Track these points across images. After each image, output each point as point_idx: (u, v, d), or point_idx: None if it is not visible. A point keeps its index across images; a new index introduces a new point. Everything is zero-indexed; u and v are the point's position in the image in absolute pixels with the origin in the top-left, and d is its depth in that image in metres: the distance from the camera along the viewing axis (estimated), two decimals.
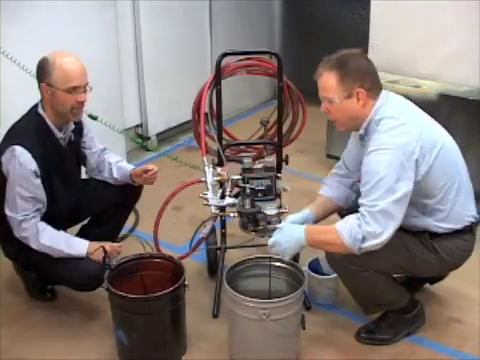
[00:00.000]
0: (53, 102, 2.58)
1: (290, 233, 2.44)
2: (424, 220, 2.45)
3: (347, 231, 2.30)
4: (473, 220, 2.50)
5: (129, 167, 2.94)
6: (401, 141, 2.29)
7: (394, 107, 2.40)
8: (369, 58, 2.45)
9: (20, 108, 2.69)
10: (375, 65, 2.43)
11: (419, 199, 2.41)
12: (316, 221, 2.64)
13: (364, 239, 2.29)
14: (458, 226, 2.46)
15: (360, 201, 2.34)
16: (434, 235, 2.46)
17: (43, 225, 2.62)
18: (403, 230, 2.46)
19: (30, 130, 2.60)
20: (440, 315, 2.83)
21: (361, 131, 2.44)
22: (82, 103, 2.60)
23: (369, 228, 2.27)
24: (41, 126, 2.62)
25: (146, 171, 2.86)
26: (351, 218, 2.33)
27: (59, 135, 2.68)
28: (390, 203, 2.27)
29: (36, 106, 2.66)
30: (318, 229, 2.48)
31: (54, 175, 2.66)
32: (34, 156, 2.54)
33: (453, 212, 2.44)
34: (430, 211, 2.44)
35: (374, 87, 2.40)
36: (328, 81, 2.37)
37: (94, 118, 3.04)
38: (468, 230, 2.49)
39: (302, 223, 2.52)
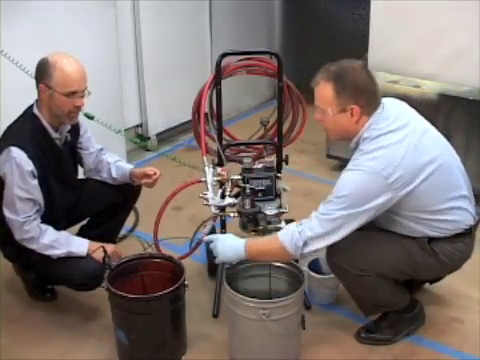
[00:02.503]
0: (50, 104, 2.57)
1: (230, 242, 2.45)
2: (421, 229, 2.44)
3: (288, 238, 2.32)
4: (472, 223, 2.49)
5: (128, 166, 2.93)
6: (376, 166, 2.27)
7: (385, 126, 2.35)
8: (371, 73, 2.39)
9: (19, 108, 2.69)
10: (376, 80, 2.39)
11: (409, 213, 2.39)
12: None
13: (305, 245, 2.30)
14: (457, 231, 2.45)
15: (318, 208, 2.35)
16: (434, 239, 2.45)
17: (45, 226, 2.62)
18: (402, 235, 2.46)
19: (26, 131, 2.59)
20: (440, 315, 2.83)
21: (351, 144, 2.43)
22: (79, 108, 2.60)
23: (310, 233, 2.29)
24: (37, 127, 2.62)
25: (146, 175, 2.85)
26: (292, 226, 2.35)
27: (55, 135, 2.68)
28: (345, 216, 2.27)
29: (31, 107, 2.65)
30: (259, 240, 2.46)
31: (50, 176, 2.65)
32: (30, 156, 2.53)
33: (450, 220, 2.43)
34: (425, 222, 2.42)
35: (369, 104, 2.35)
36: (324, 92, 2.35)
37: (90, 117, 3.01)
38: (467, 233, 2.48)
39: None
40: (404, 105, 2.54)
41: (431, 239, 2.45)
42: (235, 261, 2.46)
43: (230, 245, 2.43)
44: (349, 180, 2.31)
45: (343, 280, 2.60)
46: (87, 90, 2.59)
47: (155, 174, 2.85)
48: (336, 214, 2.28)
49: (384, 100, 2.44)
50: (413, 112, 2.51)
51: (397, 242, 2.46)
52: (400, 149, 2.30)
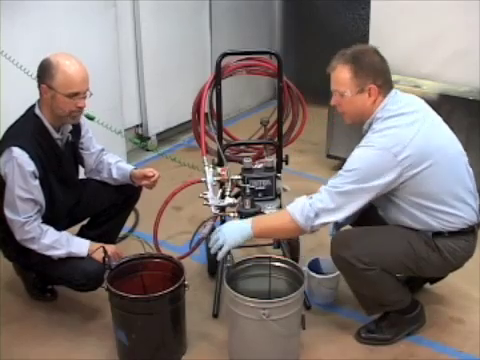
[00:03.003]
0: (52, 104, 2.57)
1: (235, 224, 2.44)
2: (426, 219, 2.45)
3: (299, 211, 2.34)
4: (475, 221, 2.50)
5: (129, 167, 2.93)
6: (386, 142, 2.32)
7: (397, 108, 2.42)
8: (383, 56, 2.47)
9: (20, 109, 2.69)
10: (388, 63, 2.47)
11: (415, 199, 2.41)
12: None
13: (317, 216, 2.33)
14: (461, 226, 2.46)
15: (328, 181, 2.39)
16: (437, 234, 2.47)
17: (46, 226, 2.62)
18: (407, 228, 2.48)
19: (27, 131, 2.59)
20: (440, 315, 2.83)
21: (365, 126, 2.49)
22: (81, 108, 2.60)
23: (321, 205, 2.33)
24: (38, 127, 2.61)
25: (146, 177, 2.86)
26: (301, 198, 2.38)
27: (56, 136, 2.67)
28: (353, 190, 2.32)
29: (33, 107, 2.65)
30: (266, 216, 2.50)
31: (52, 176, 2.65)
32: (32, 157, 2.53)
33: (453, 214, 2.44)
34: (430, 212, 2.43)
35: (385, 85, 2.43)
36: (342, 75, 2.41)
37: (91, 118, 3.01)
38: (470, 231, 2.50)
39: None
40: (419, 99, 2.59)
41: (435, 235, 2.46)
42: (243, 242, 2.41)
43: (236, 226, 2.42)
44: (359, 155, 2.36)
45: (347, 275, 2.58)
46: (89, 91, 2.60)
47: (154, 175, 2.85)
48: (345, 187, 2.32)
49: (400, 92, 2.52)
50: (426, 106, 2.56)
51: (402, 237, 2.47)
52: (410, 131, 2.35)
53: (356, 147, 2.41)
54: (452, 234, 2.46)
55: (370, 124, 2.45)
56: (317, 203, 2.33)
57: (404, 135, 2.34)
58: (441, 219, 2.44)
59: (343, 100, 2.44)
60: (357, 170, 2.33)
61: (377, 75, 2.40)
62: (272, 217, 2.48)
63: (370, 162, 2.33)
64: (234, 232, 2.40)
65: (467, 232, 2.49)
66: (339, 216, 2.36)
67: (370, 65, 2.39)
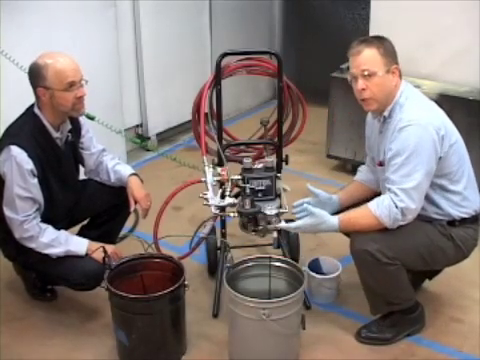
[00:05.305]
0: (53, 104, 2.57)
1: (324, 217, 2.49)
2: (442, 204, 2.52)
3: (385, 213, 2.41)
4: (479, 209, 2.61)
5: (125, 174, 2.89)
6: (429, 117, 2.42)
7: (415, 92, 2.56)
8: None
9: (20, 109, 2.69)
10: None
11: (436, 179, 2.48)
12: (343, 208, 2.70)
13: (403, 214, 2.41)
14: (470, 212, 2.55)
15: (390, 177, 2.43)
16: (450, 224, 2.54)
17: (45, 225, 2.62)
18: (424, 221, 2.52)
19: (26, 130, 2.59)
20: (440, 315, 2.84)
21: (385, 113, 2.52)
22: (82, 98, 2.60)
23: (403, 204, 2.40)
24: (37, 126, 2.62)
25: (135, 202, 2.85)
26: (385, 199, 2.42)
27: (56, 135, 2.68)
28: (420, 178, 2.38)
29: (32, 106, 2.65)
30: (352, 216, 2.52)
31: (51, 175, 2.66)
32: (30, 156, 2.54)
33: (465, 197, 2.54)
34: (446, 194, 2.52)
35: (400, 69, 2.52)
36: (371, 55, 2.46)
37: (91, 118, 3.01)
38: (475, 220, 2.59)
39: (327, 201, 2.69)
40: None
41: (447, 224, 2.54)
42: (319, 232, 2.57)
43: (325, 222, 2.49)
44: (409, 134, 2.39)
45: (367, 270, 2.54)
46: (84, 79, 2.60)
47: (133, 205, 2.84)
48: (413, 181, 2.37)
49: None
50: None
51: (420, 229, 2.52)
52: (437, 109, 2.53)
53: (399, 129, 2.41)
54: (461, 223, 2.54)
55: (390, 111, 2.50)
56: (401, 204, 2.40)
57: (435, 112, 2.49)
58: (455, 203, 2.52)
59: (371, 82, 2.45)
60: (415, 152, 2.37)
61: (397, 57, 2.50)
62: (358, 216, 2.50)
63: (422, 139, 2.37)
64: (319, 225, 2.49)
65: (473, 220, 2.58)
66: (419, 206, 2.43)
67: (391, 47, 2.50)
